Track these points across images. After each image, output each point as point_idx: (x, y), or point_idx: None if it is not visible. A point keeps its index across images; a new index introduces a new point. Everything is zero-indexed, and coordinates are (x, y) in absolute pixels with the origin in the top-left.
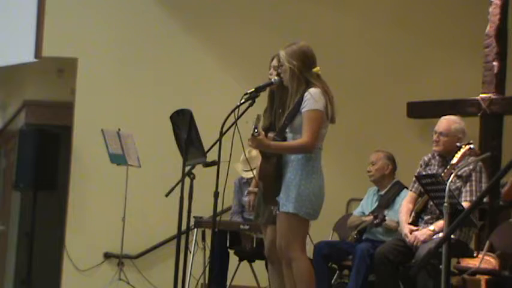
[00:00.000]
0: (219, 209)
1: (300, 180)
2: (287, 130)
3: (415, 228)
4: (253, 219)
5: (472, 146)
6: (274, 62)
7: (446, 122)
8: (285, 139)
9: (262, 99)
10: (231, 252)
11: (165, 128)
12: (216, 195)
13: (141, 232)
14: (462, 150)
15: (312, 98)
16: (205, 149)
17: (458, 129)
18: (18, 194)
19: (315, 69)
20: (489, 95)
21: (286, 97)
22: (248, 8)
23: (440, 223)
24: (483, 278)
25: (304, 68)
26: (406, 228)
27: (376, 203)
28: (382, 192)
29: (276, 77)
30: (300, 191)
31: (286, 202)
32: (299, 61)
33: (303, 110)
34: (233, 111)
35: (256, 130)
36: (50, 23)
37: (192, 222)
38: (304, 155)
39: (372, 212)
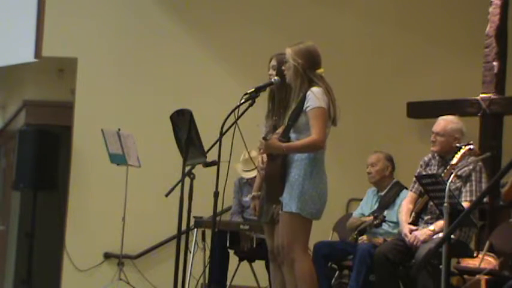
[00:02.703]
0: (219, 209)
1: (304, 180)
2: (291, 130)
3: (414, 228)
4: (257, 219)
5: (472, 146)
6: (273, 62)
7: (443, 122)
8: (288, 140)
9: (262, 99)
10: (231, 252)
11: (165, 128)
12: (216, 195)
13: (141, 232)
14: (462, 151)
15: (315, 96)
16: (205, 149)
17: (455, 129)
18: (18, 194)
19: (319, 71)
20: (489, 95)
21: (285, 97)
22: (248, 8)
23: (440, 223)
24: (483, 278)
25: (308, 67)
26: (406, 228)
27: (377, 204)
28: (382, 193)
29: (276, 77)
30: (304, 190)
31: (290, 202)
32: (304, 60)
33: (307, 109)
34: (233, 111)
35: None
36: (50, 23)
37: (192, 222)
38: (308, 155)
39: (373, 213)
